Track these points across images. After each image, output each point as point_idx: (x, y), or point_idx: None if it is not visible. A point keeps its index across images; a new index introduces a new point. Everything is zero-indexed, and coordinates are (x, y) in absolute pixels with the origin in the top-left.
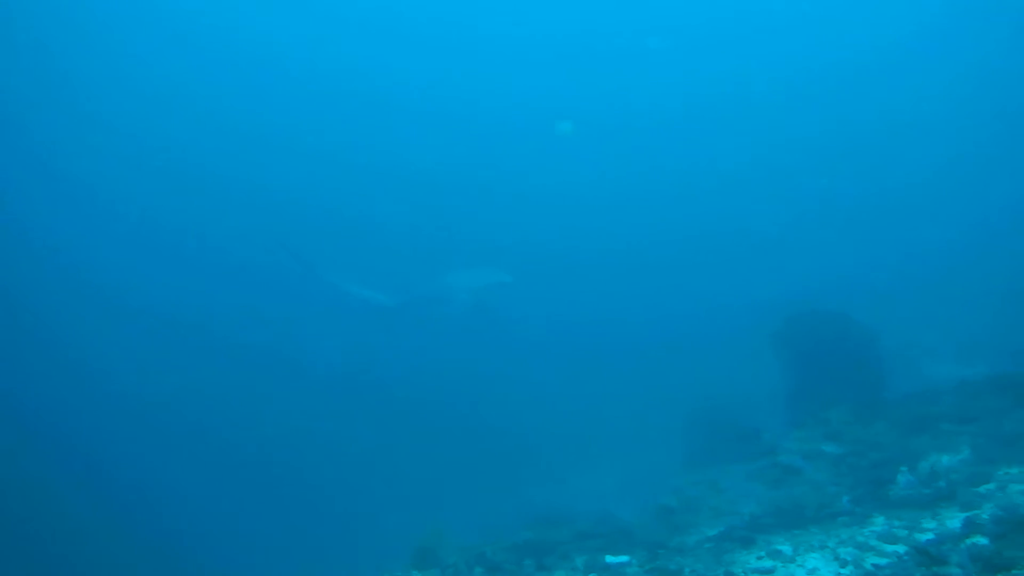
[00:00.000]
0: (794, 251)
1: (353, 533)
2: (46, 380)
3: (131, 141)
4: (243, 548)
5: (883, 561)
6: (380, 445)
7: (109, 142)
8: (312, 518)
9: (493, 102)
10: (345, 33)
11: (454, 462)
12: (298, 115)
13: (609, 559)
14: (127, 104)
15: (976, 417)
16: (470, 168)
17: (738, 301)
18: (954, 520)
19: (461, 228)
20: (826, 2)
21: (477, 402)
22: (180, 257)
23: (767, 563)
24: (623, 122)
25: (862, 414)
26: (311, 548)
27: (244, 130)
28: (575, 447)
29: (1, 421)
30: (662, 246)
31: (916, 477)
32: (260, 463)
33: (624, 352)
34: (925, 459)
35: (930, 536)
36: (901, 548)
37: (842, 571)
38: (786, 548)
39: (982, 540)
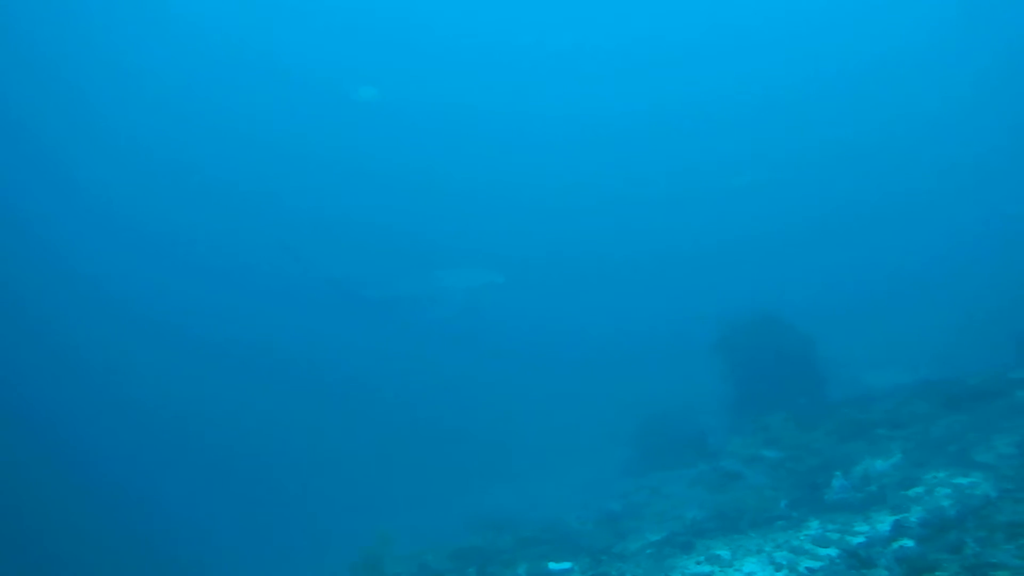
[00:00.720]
0: (743, 264)
1: (301, 534)
2: (33, 375)
3: (123, 142)
4: (190, 547)
5: (816, 564)
6: (340, 443)
7: (99, 143)
8: (264, 519)
9: (468, 109)
10: (334, 36)
11: (407, 463)
12: (290, 118)
13: (552, 566)
14: (122, 106)
15: (907, 422)
16: (436, 176)
17: (685, 312)
18: (884, 523)
19: (428, 229)
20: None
21: (436, 403)
22: (162, 253)
23: (705, 568)
24: (587, 134)
25: (801, 420)
26: (258, 551)
27: (241, 132)
28: (525, 452)
29: None
30: (614, 258)
31: (850, 481)
32: (222, 458)
33: (574, 360)
34: (859, 464)
35: (861, 539)
36: (833, 551)
37: (777, 575)
38: (724, 553)
39: (909, 543)
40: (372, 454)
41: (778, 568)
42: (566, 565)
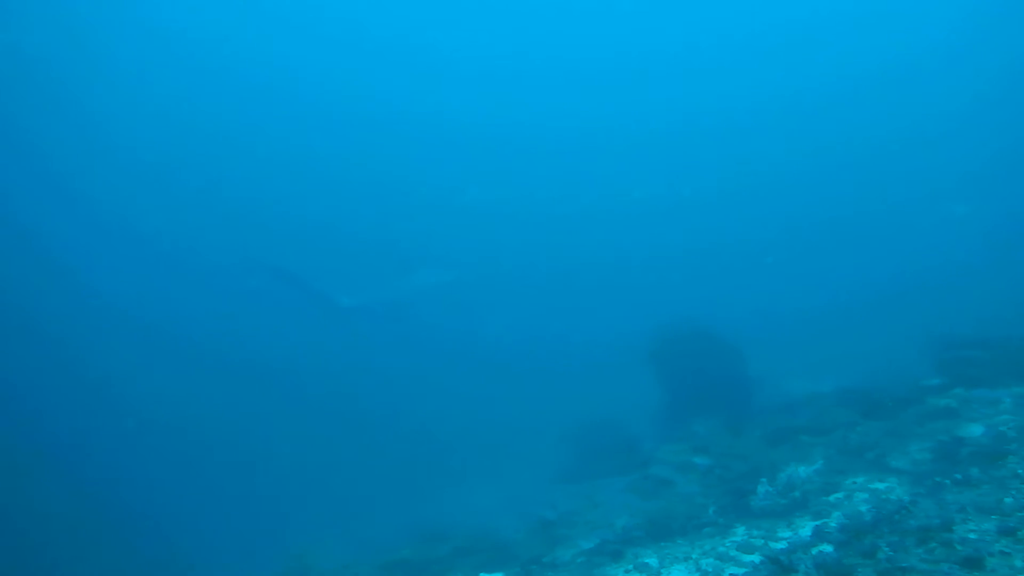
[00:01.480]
0: (678, 277)
1: (231, 542)
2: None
3: (106, 143)
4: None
5: (740, 571)
6: (276, 446)
7: (85, 144)
8: (198, 523)
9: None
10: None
11: (339, 467)
12: (268, 125)
13: None
14: (108, 108)
15: (829, 429)
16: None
17: (619, 322)
18: (805, 528)
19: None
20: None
21: (370, 406)
22: (143, 255)
23: None
24: (531, 145)
25: (730, 427)
26: (188, 555)
27: (219, 138)
28: (460, 458)
29: None
30: (551, 267)
31: (775, 488)
32: (164, 456)
33: (509, 366)
34: (784, 470)
35: (783, 545)
36: (757, 557)
37: None
38: (653, 561)
39: (828, 548)
40: (305, 457)
41: (704, 575)
42: (498, 575)
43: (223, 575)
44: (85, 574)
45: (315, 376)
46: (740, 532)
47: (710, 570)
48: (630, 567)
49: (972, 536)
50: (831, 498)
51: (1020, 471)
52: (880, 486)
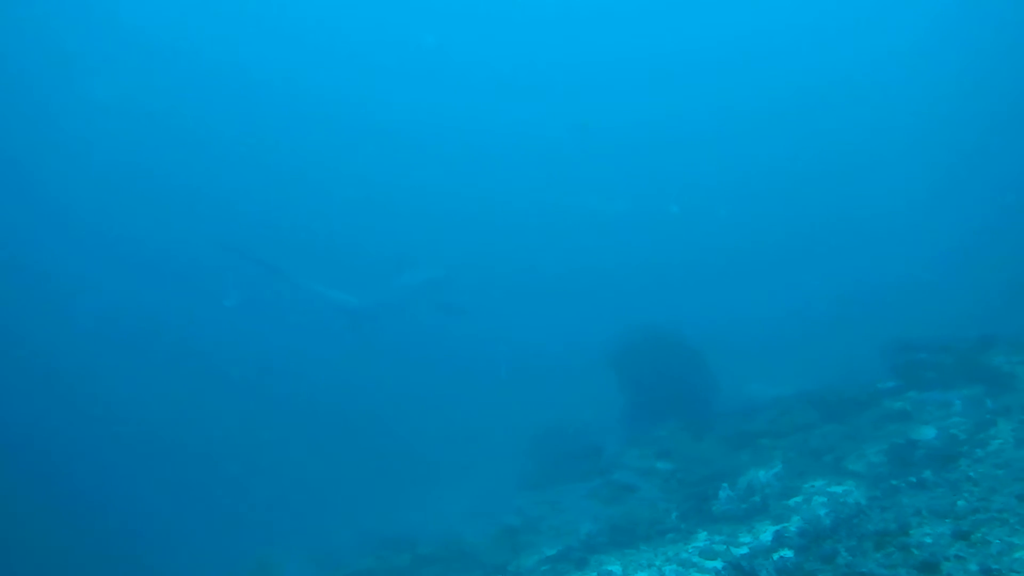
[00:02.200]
0: (639, 283)
1: (188, 552)
2: None
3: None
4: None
5: None
6: (239, 452)
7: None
8: (159, 531)
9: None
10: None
11: (300, 475)
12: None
13: None
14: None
15: (787, 432)
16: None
17: (582, 327)
18: (766, 533)
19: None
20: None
21: (329, 412)
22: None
23: None
24: (500, 151)
25: (691, 430)
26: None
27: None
28: (422, 463)
29: None
30: (513, 272)
31: (735, 492)
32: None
33: (470, 371)
34: (744, 474)
35: (745, 551)
36: (719, 563)
37: None
38: (616, 568)
39: (788, 553)
40: (267, 463)
41: None
42: None
43: None
44: None
45: (278, 381)
46: (702, 537)
47: None
48: (594, 574)
49: (928, 540)
50: (791, 502)
51: (971, 474)
52: (838, 489)
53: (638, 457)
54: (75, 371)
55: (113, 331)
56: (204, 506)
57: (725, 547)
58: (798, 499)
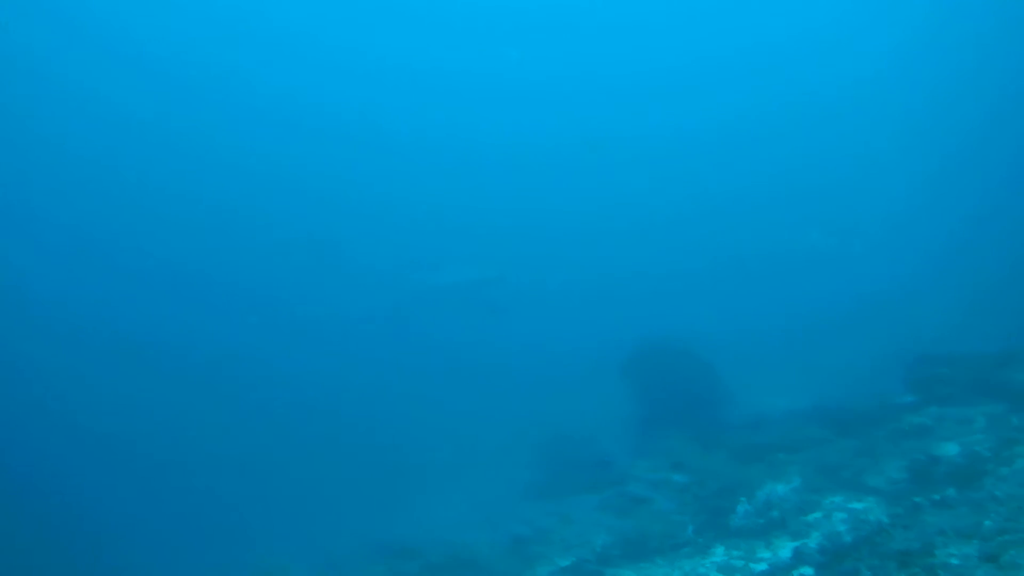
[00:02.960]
0: (651, 291)
1: (188, 562)
2: None
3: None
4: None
5: None
6: (235, 453)
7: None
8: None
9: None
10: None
11: (304, 482)
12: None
13: None
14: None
15: (803, 447)
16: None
17: (592, 335)
18: (785, 549)
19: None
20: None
21: (335, 414)
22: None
23: None
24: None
25: (703, 442)
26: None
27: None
28: (428, 469)
29: None
30: (523, 278)
31: (753, 506)
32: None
33: (477, 375)
34: (761, 488)
35: (764, 567)
36: None
37: None
38: None
39: (808, 571)
40: (269, 469)
41: None
42: None
43: None
44: None
45: (279, 385)
46: (719, 552)
47: None
48: None
49: (954, 561)
50: (809, 518)
51: (997, 493)
52: (858, 506)
53: (649, 468)
54: (81, 380)
55: (111, 338)
56: (206, 514)
57: (744, 563)
58: (817, 515)
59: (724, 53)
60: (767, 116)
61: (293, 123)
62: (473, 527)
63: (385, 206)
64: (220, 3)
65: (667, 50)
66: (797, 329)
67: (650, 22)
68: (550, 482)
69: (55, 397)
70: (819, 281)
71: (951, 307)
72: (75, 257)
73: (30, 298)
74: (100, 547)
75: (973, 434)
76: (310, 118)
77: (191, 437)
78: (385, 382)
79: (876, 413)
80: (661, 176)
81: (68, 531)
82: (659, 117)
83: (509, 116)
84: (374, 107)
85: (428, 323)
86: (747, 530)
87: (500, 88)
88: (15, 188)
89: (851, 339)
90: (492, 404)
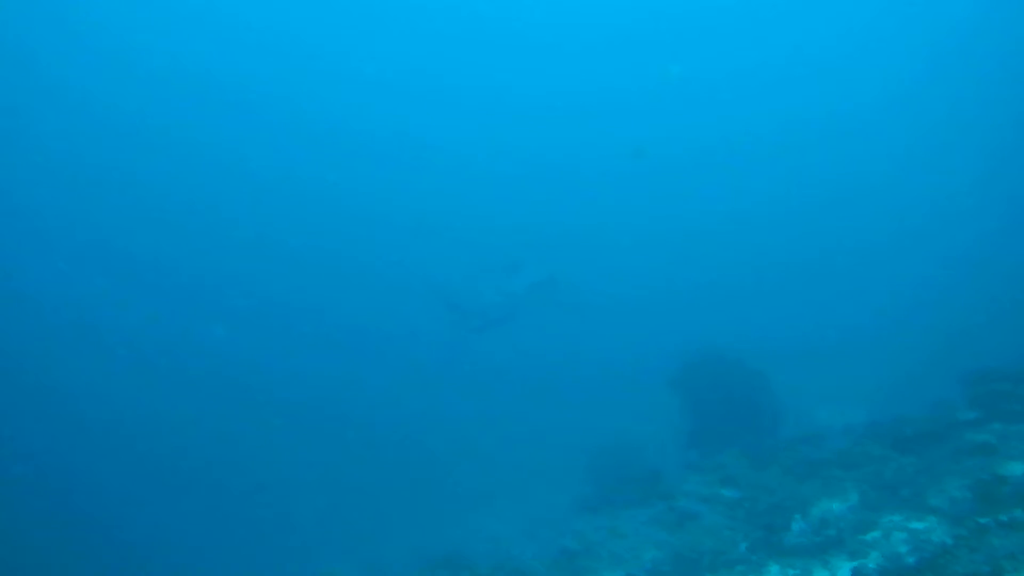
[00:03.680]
0: (702, 301)
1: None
2: None
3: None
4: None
5: None
6: (289, 468)
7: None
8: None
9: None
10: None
11: (354, 492)
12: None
13: None
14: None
15: (860, 463)
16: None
17: (642, 346)
18: (843, 569)
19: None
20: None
21: (387, 429)
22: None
23: None
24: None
25: (755, 457)
26: None
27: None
28: (478, 482)
29: None
30: (571, 287)
31: (808, 524)
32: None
33: (525, 388)
34: (816, 505)
35: None
36: None
37: None
38: None
39: None
40: (319, 481)
41: None
42: None
43: None
44: None
45: (328, 397)
46: (774, 571)
47: None
48: None
49: None
50: (868, 537)
51: None
52: (919, 526)
53: (701, 483)
54: (118, 394)
55: (151, 349)
56: (265, 525)
57: None
58: (875, 534)
59: (775, 64)
60: (814, 124)
61: (354, 140)
62: (522, 540)
63: (446, 217)
64: (264, 19)
65: (713, 62)
66: (849, 339)
67: (698, 37)
68: (599, 495)
69: (116, 420)
70: (870, 290)
71: (1006, 319)
72: (135, 277)
73: (101, 324)
74: (168, 553)
75: None
76: (370, 136)
77: (256, 455)
78: (437, 397)
79: (935, 429)
80: (712, 185)
81: (133, 546)
82: (709, 128)
83: (565, 129)
84: (438, 124)
85: (476, 337)
86: (802, 548)
87: (560, 102)
88: (38, 201)
89: (905, 350)
90: (543, 416)
